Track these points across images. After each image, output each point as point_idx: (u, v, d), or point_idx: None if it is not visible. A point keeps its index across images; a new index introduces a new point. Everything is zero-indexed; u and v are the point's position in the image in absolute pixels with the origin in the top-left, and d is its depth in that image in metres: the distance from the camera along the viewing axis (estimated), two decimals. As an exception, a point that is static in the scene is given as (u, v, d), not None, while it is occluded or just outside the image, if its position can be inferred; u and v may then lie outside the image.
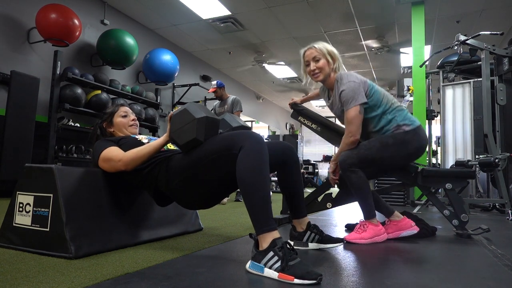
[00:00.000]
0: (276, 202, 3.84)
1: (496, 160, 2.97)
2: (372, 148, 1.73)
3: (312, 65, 1.81)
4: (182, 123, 1.33)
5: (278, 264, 1.04)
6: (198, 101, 6.90)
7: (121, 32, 4.69)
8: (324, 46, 1.83)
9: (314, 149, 13.00)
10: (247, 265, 1.13)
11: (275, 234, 1.11)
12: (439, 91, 4.45)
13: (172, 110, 6.48)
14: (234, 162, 1.20)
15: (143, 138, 1.61)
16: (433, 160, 6.87)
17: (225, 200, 3.87)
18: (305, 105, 2.32)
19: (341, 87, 1.76)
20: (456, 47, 3.34)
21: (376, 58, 7.08)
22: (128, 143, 1.53)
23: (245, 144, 1.20)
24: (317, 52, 1.81)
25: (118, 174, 1.48)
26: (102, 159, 1.46)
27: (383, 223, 1.82)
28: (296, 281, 0.99)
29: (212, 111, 5.38)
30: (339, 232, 2.05)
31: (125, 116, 1.73)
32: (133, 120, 1.74)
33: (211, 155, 1.28)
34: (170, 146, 1.61)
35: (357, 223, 1.79)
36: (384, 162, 1.74)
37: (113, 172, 1.46)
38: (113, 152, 1.45)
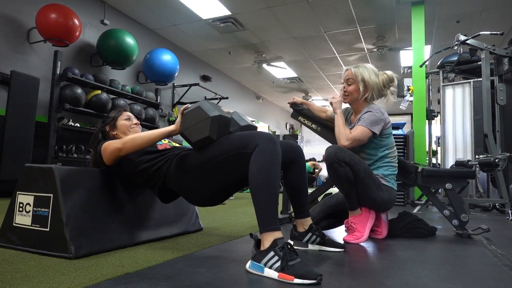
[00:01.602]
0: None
1: (496, 160, 2.97)
2: (363, 164, 1.72)
3: (345, 86, 1.87)
4: (195, 121, 1.33)
5: (278, 264, 1.05)
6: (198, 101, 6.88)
7: (121, 32, 4.69)
8: (361, 72, 1.83)
9: (314, 149, 13.00)
10: (247, 265, 1.13)
11: (278, 234, 1.12)
12: (439, 91, 4.45)
13: (172, 110, 6.49)
14: (247, 161, 1.22)
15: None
16: (433, 160, 6.87)
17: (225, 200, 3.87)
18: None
19: (369, 110, 1.80)
20: (456, 47, 3.35)
21: (376, 58, 7.08)
22: None
23: (260, 143, 1.22)
24: (352, 76, 1.84)
25: (124, 175, 1.48)
26: (103, 149, 1.46)
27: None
28: (296, 280, 1.00)
29: None
30: (339, 231, 2.05)
31: (128, 119, 1.74)
32: (135, 124, 1.76)
33: (225, 153, 1.29)
34: (175, 144, 1.62)
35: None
36: (360, 184, 1.69)
37: (112, 158, 1.44)
38: (111, 141, 1.47)
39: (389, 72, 1.88)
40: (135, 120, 1.77)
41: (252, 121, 10.62)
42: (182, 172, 1.38)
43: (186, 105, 1.40)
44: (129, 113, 1.77)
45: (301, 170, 1.48)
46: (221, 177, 1.34)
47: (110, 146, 1.44)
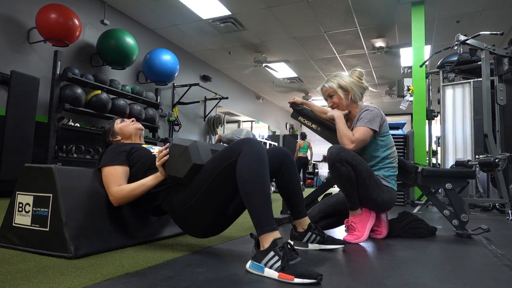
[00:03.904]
0: (276, 201, 3.83)
1: (496, 160, 2.97)
2: (365, 164, 1.73)
3: (329, 101, 1.94)
4: (175, 157, 1.34)
5: (279, 263, 1.04)
6: (198, 101, 6.90)
7: (121, 32, 4.69)
8: (336, 81, 1.89)
9: (314, 149, 12.94)
10: (247, 265, 1.13)
11: (276, 234, 1.11)
12: (439, 91, 4.45)
13: (172, 110, 6.48)
14: (234, 172, 1.22)
15: (157, 152, 1.61)
16: (433, 160, 6.87)
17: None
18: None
19: (367, 108, 1.84)
20: (456, 47, 3.35)
21: (376, 58, 7.08)
22: (142, 160, 1.52)
23: (243, 148, 1.22)
24: (329, 90, 1.91)
25: None
26: (103, 176, 1.47)
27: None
28: (296, 280, 0.99)
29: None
30: (339, 231, 2.05)
31: (123, 121, 1.76)
32: (132, 121, 1.77)
33: (213, 172, 1.28)
34: None
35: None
36: (362, 184, 1.71)
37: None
38: (111, 177, 1.45)
39: (358, 69, 1.95)
40: (129, 120, 1.79)
41: (252, 121, 10.64)
42: (176, 205, 1.37)
43: (161, 152, 1.38)
44: (120, 118, 1.80)
45: (292, 173, 1.48)
46: (216, 199, 1.32)
47: (108, 189, 1.44)
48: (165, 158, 1.36)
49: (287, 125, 12.68)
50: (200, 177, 1.32)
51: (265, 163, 1.20)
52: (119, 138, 1.71)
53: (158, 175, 1.41)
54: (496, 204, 3.73)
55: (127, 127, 1.72)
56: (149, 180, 1.42)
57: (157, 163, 1.39)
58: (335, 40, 6.26)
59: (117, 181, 1.44)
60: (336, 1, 4.86)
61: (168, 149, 1.37)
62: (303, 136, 9.12)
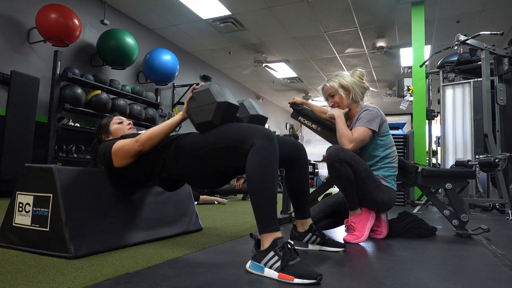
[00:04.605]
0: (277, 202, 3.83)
1: (496, 160, 2.97)
2: (364, 164, 1.73)
3: (330, 101, 1.95)
4: (202, 102, 1.33)
5: (278, 263, 1.04)
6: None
7: (121, 32, 4.69)
8: (337, 81, 1.89)
9: (314, 149, 13.00)
10: (247, 265, 1.13)
11: (277, 234, 1.11)
12: (439, 91, 4.45)
13: (172, 110, 6.48)
14: (242, 155, 1.21)
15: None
16: (433, 160, 6.87)
17: (225, 200, 3.90)
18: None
19: (367, 108, 1.84)
20: (456, 47, 3.35)
21: (376, 58, 7.08)
22: (132, 136, 1.54)
23: (257, 142, 1.20)
24: (330, 89, 1.92)
25: (123, 170, 1.48)
26: (114, 151, 1.46)
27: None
28: (296, 280, 0.99)
29: None
30: (339, 231, 2.05)
31: (120, 123, 1.75)
32: (129, 124, 1.76)
33: (220, 143, 1.29)
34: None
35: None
36: (361, 184, 1.70)
37: (129, 159, 1.45)
38: (124, 141, 1.47)
39: (359, 69, 1.96)
40: (127, 121, 1.78)
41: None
42: (180, 154, 1.39)
43: (195, 87, 1.38)
44: (119, 117, 1.79)
45: (303, 171, 1.47)
46: (217, 163, 1.34)
47: (124, 149, 1.44)
48: (196, 87, 1.36)
49: (287, 125, 12.68)
50: (210, 136, 1.32)
51: (274, 162, 1.19)
52: (110, 138, 1.71)
53: (180, 114, 1.42)
54: (496, 204, 3.72)
55: (121, 131, 1.72)
56: (170, 120, 1.43)
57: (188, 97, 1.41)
58: (335, 40, 6.26)
59: (130, 138, 1.46)
60: (336, 1, 4.86)
61: (200, 87, 1.36)
62: (296, 138, 9.27)
